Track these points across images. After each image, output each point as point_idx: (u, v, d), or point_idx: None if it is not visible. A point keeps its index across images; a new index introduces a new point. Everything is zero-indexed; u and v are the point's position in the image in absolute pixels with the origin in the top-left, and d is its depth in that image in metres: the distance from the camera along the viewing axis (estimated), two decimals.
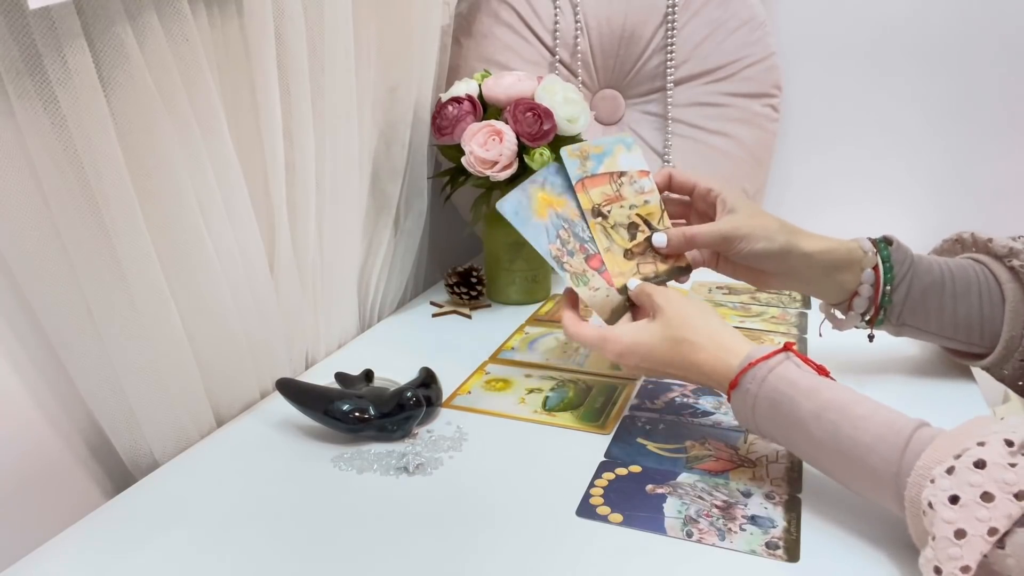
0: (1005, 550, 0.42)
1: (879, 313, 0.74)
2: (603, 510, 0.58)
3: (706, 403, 0.74)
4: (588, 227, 0.72)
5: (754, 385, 0.57)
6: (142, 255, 0.61)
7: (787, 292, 1.06)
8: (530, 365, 0.85)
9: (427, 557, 0.54)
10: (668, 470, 0.63)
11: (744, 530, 0.55)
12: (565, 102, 0.94)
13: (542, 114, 0.92)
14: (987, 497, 0.43)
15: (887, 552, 0.52)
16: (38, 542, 0.56)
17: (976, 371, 0.80)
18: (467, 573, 0.52)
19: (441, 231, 1.19)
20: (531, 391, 0.78)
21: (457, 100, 0.95)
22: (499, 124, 0.92)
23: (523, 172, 0.93)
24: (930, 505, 0.45)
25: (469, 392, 0.79)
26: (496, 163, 0.92)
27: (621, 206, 0.73)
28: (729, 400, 0.60)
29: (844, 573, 0.51)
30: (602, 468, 0.64)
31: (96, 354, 0.62)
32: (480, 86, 0.98)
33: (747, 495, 0.59)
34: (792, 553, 0.53)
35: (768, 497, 0.59)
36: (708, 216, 0.75)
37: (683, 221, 0.78)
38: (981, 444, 0.46)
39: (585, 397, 0.76)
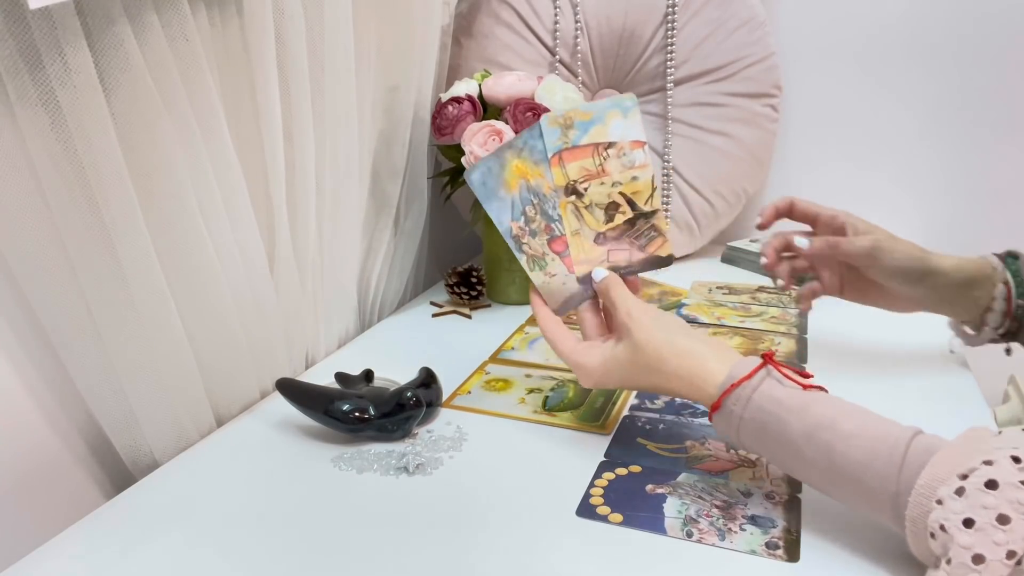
0: None
1: (1016, 324, 0.75)
2: (603, 510, 0.58)
3: None
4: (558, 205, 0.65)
5: (738, 407, 0.55)
6: (142, 255, 0.61)
7: (787, 293, 1.06)
8: (530, 365, 0.85)
9: (427, 557, 0.54)
10: (668, 470, 0.63)
11: (744, 530, 0.55)
12: (565, 102, 0.94)
13: (542, 114, 0.92)
14: (1003, 520, 0.42)
15: (887, 552, 0.52)
16: (38, 542, 0.56)
17: (976, 371, 0.81)
18: (467, 573, 0.52)
19: (441, 231, 1.19)
20: (531, 391, 0.78)
21: (457, 100, 0.95)
22: (499, 124, 0.92)
23: None
24: (942, 528, 0.44)
25: (469, 392, 0.79)
26: None
27: (602, 183, 0.65)
28: (711, 421, 0.57)
29: (844, 573, 0.51)
30: (602, 468, 0.64)
31: (96, 354, 0.62)
32: (480, 86, 0.98)
33: (747, 495, 0.59)
34: (792, 553, 0.53)
35: (768, 497, 0.59)
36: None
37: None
38: (988, 463, 0.44)
39: (585, 397, 0.76)
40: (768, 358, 0.56)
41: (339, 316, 0.91)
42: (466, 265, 1.06)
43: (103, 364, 0.62)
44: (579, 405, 0.75)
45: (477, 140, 0.92)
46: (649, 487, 0.61)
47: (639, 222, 0.66)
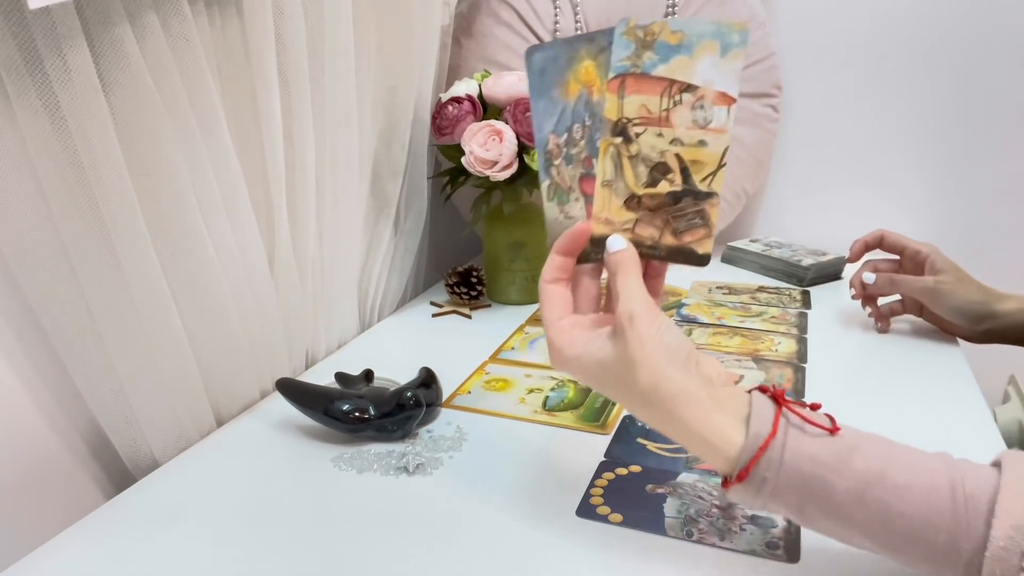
0: None
1: None
2: (603, 510, 0.58)
3: None
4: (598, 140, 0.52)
5: (771, 473, 0.45)
6: (142, 255, 0.61)
7: (787, 293, 1.06)
8: (530, 365, 0.85)
9: (427, 557, 0.54)
10: (668, 470, 0.63)
11: (744, 530, 0.55)
12: None
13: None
14: None
15: None
16: (38, 542, 0.56)
17: (976, 371, 0.81)
18: (467, 573, 0.52)
19: (441, 231, 1.19)
20: (531, 391, 0.78)
21: (457, 100, 0.95)
22: (499, 124, 0.92)
23: (523, 172, 0.93)
24: None
25: (469, 392, 0.79)
26: (496, 163, 0.92)
27: (660, 134, 0.51)
28: (725, 487, 0.48)
29: (844, 573, 0.51)
30: (602, 468, 0.64)
31: (96, 354, 0.62)
32: (480, 86, 0.98)
33: None
34: (792, 553, 0.53)
35: None
36: (916, 274, 0.86)
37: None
38: None
39: (585, 397, 0.76)
40: (780, 399, 0.47)
41: (339, 316, 0.91)
42: (466, 265, 1.06)
43: (103, 364, 0.62)
44: (579, 405, 0.75)
45: (477, 140, 0.92)
46: (649, 487, 0.61)
47: (686, 200, 0.51)
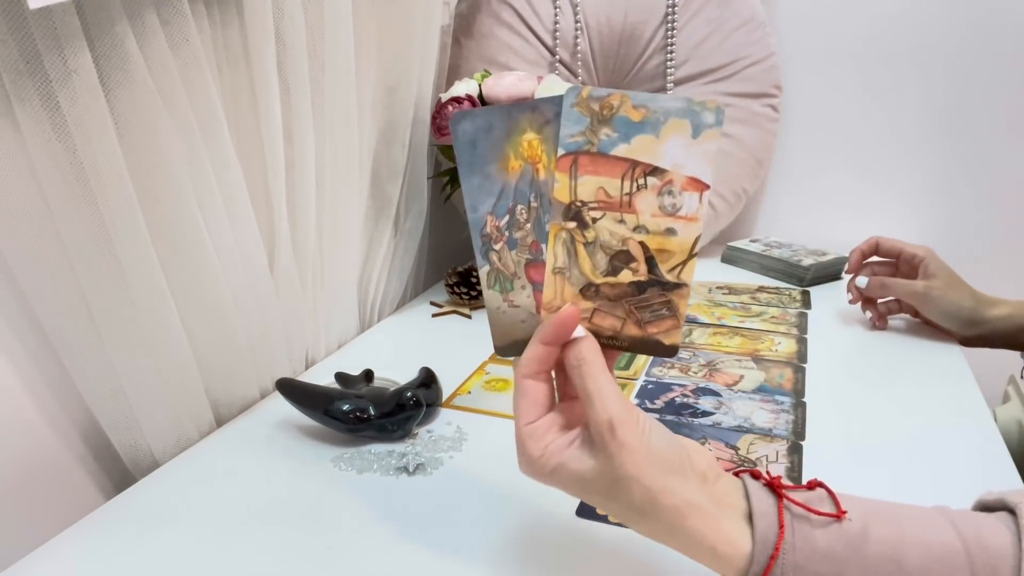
0: None
1: None
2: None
3: (706, 403, 0.74)
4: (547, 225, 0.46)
5: None
6: (142, 255, 0.61)
7: (787, 293, 1.06)
8: None
9: (427, 557, 0.54)
10: None
11: None
12: None
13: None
14: None
15: None
16: (38, 542, 0.56)
17: (976, 371, 0.81)
18: (467, 573, 0.52)
19: (441, 231, 1.19)
20: None
21: (457, 100, 0.95)
22: None
23: None
24: None
25: (469, 392, 0.79)
26: None
27: (621, 220, 0.45)
28: None
29: None
30: None
31: (96, 354, 0.62)
32: (480, 86, 0.98)
33: None
34: None
35: None
36: (911, 277, 0.88)
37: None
38: None
39: None
40: (778, 490, 0.44)
41: (339, 316, 0.91)
42: (466, 265, 1.06)
43: (103, 364, 0.62)
44: None
45: None
46: None
47: (651, 290, 0.46)
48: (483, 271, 0.48)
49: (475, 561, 0.53)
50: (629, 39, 1.12)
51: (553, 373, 0.48)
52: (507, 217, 0.47)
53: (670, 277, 0.46)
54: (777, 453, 0.65)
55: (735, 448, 0.66)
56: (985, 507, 0.45)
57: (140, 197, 0.60)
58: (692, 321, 0.96)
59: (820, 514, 0.42)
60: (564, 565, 0.53)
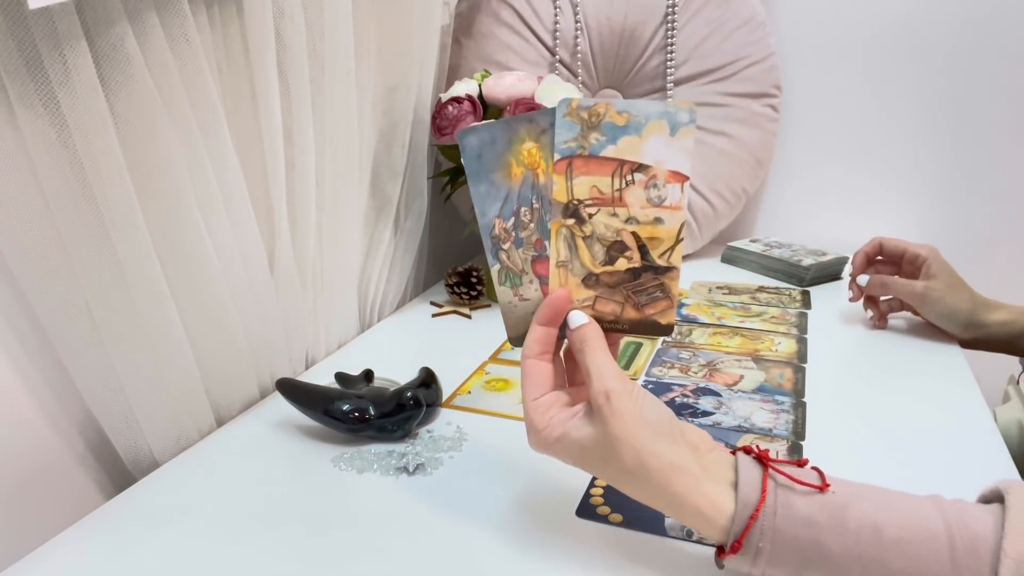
0: None
1: None
2: (603, 510, 0.58)
3: (706, 403, 0.74)
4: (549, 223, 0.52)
5: (765, 541, 0.44)
6: (142, 255, 0.61)
7: (787, 293, 1.06)
8: None
9: (427, 557, 0.54)
10: None
11: None
12: None
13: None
14: None
15: None
16: (38, 542, 0.56)
17: (976, 371, 0.81)
18: (467, 573, 0.52)
19: (441, 231, 1.19)
20: None
21: (457, 100, 0.95)
22: None
23: None
24: None
25: (469, 392, 0.79)
26: None
27: (614, 214, 0.51)
28: (720, 558, 0.47)
29: None
30: None
31: (96, 354, 0.62)
32: (480, 86, 0.98)
33: None
34: None
35: None
36: (915, 277, 0.88)
37: None
38: None
39: None
40: (765, 460, 0.47)
41: (339, 316, 0.91)
42: (466, 265, 1.06)
43: (103, 364, 0.62)
44: None
45: None
46: None
47: (645, 275, 0.52)
48: (494, 270, 0.53)
49: (475, 561, 0.53)
50: (629, 39, 1.12)
51: (564, 361, 0.54)
52: (513, 219, 0.52)
53: (661, 261, 0.52)
54: (777, 453, 0.65)
55: (735, 448, 0.66)
56: (985, 500, 0.46)
57: (140, 197, 0.60)
58: (692, 321, 0.96)
59: (804, 484, 0.45)
60: (564, 565, 0.53)
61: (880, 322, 0.92)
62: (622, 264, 0.52)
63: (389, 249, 1.00)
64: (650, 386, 0.79)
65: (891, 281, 0.88)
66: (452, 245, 1.24)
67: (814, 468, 0.47)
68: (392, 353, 0.91)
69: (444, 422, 0.73)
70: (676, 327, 0.93)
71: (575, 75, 1.15)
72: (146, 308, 0.63)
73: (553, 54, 1.14)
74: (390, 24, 0.90)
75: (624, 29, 1.12)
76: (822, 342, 0.89)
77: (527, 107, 0.93)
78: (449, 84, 1.02)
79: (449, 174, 1.02)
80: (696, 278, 1.11)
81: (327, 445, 0.69)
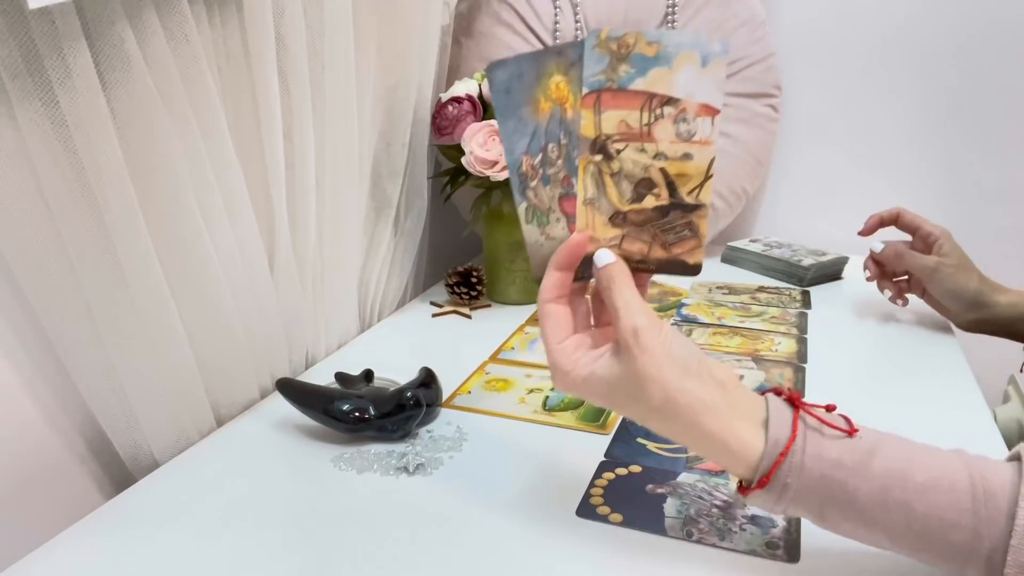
0: None
1: None
2: (603, 510, 0.58)
3: None
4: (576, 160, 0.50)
5: (792, 479, 0.45)
6: (142, 255, 0.61)
7: (787, 293, 1.06)
8: (530, 365, 0.85)
9: (427, 557, 0.54)
10: (668, 470, 0.63)
11: (744, 530, 0.55)
12: None
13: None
14: None
15: (886, 553, 0.52)
16: (38, 542, 0.56)
17: (976, 371, 0.81)
18: (467, 573, 0.52)
19: (441, 231, 1.19)
20: (531, 391, 0.78)
21: (457, 100, 0.95)
22: None
23: None
24: None
25: (469, 392, 0.79)
26: (496, 163, 0.92)
27: (642, 149, 0.49)
28: (744, 494, 0.47)
29: (844, 573, 0.51)
30: (602, 468, 0.64)
31: (96, 354, 0.62)
32: (480, 86, 0.98)
33: None
34: (792, 553, 0.53)
35: None
36: (925, 254, 0.88)
37: None
38: None
39: None
40: (797, 402, 0.47)
41: (339, 316, 0.91)
42: (466, 265, 1.06)
43: (103, 364, 0.62)
44: (579, 405, 0.75)
45: (477, 140, 0.92)
46: (649, 487, 0.61)
47: (673, 213, 0.50)
48: (521, 208, 0.51)
49: (475, 561, 0.53)
50: None
51: (591, 302, 0.53)
52: (540, 155, 0.50)
53: (689, 199, 0.50)
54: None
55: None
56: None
57: (140, 197, 0.60)
58: (692, 321, 0.96)
59: (833, 427, 0.46)
60: (564, 565, 0.53)
61: (899, 299, 0.92)
62: (650, 202, 0.50)
63: (389, 249, 1.00)
64: None
65: (905, 252, 0.89)
66: (452, 245, 1.24)
67: (842, 415, 0.48)
68: (392, 353, 0.91)
69: (444, 422, 0.73)
70: (676, 327, 0.94)
71: None
72: (146, 308, 0.63)
73: None
74: (390, 24, 0.90)
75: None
76: (822, 342, 0.89)
77: None
78: (449, 84, 1.02)
79: (449, 174, 1.02)
80: (696, 278, 1.11)
81: (327, 445, 0.69)
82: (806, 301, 1.02)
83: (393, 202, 0.98)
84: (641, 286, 0.52)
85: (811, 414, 0.47)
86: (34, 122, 0.53)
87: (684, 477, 0.62)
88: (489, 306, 1.04)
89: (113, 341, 0.62)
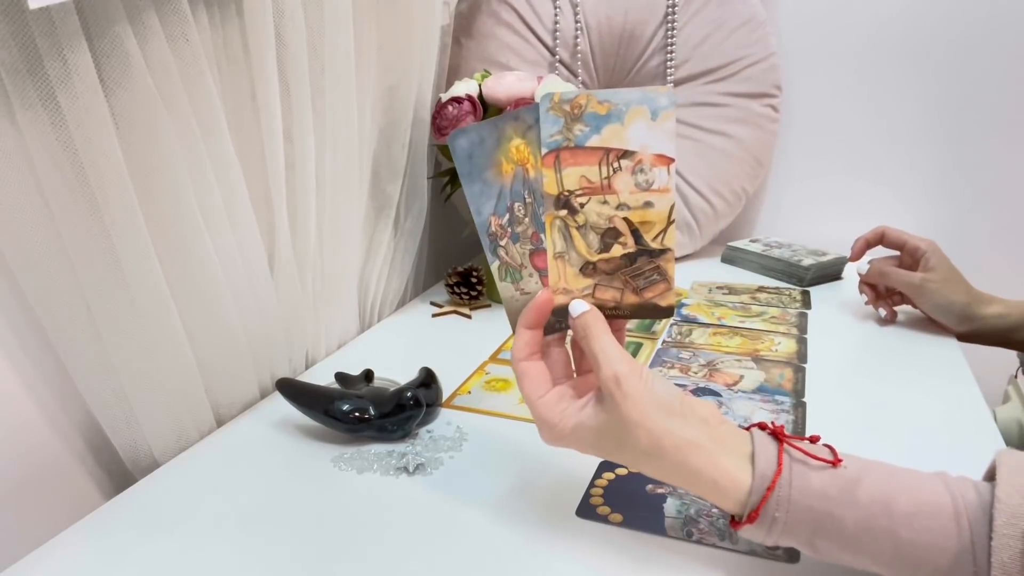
0: None
1: None
2: (603, 510, 0.58)
3: None
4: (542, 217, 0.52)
5: (780, 512, 0.46)
6: (142, 255, 0.61)
7: (787, 293, 1.06)
8: None
9: (427, 557, 0.54)
10: None
11: None
12: None
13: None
14: None
15: None
16: (38, 542, 0.56)
17: (976, 371, 0.81)
18: (467, 573, 0.52)
19: (441, 231, 1.19)
20: None
21: (457, 100, 0.95)
22: None
23: None
24: None
25: (469, 392, 0.79)
26: None
27: (604, 201, 0.51)
28: (735, 527, 0.48)
29: (843, 574, 0.51)
30: (602, 468, 0.64)
31: (96, 354, 0.62)
32: (480, 86, 0.98)
33: None
34: (792, 554, 0.53)
35: None
36: (912, 270, 0.88)
37: None
38: None
39: None
40: (781, 435, 0.48)
41: (339, 316, 0.91)
42: (466, 265, 1.06)
43: (103, 364, 0.62)
44: None
45: None
46: (649, 487, 0.61)
47: (641, 259, 0.52)
48: (494, 267, 0.54)
49: (475, 561, 0.53)
50: (629, 39, 1.12)
51: (571, 351, 0.55)
52: (507, 215, 0.53)
53: (655, 244, 0.52)
54: None
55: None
56: (987, 478, 0.47)
57: (140, 197, 0.60)
58: (692, 321, 0.96)
59: (817, 459, 0.47)
60: (564, 565, 0.53)
61: (890, 316, 0.93)
62: (617, 250, 0.52)
63: (389, 249, 1.00)
64: None
65: (890, 271, 0.89)
66: (452, 245, 1.24)
67: (826, 445, 0.49)
68: (392, 353, 0.91)
69: (444, 422, 0.73)
70: (676, 327, 0.93)
71: (575, 75, 1.15)
72: (146, 308, 0.63)
73: (553, 54, 1.14)
74: (390, 24, 0.90)
75: (624, 29, 1.12)
76: (822, 342, 0.89)
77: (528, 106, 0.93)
78: (449, 84, 1.02)
79: (449, 174, 1.03)
80: (696, 278, 1.11)
81: (327, 445, 0.69)
82: (806, 301, 1.02)
83: (393, 202, 0.98)
84: (618, 331, 0.53)
85: (795, 447, 0.48)
86: (34, 122, 0.53)
87: None
88: (489, 306, 1.04)
89: (113, 341, 0.62)
